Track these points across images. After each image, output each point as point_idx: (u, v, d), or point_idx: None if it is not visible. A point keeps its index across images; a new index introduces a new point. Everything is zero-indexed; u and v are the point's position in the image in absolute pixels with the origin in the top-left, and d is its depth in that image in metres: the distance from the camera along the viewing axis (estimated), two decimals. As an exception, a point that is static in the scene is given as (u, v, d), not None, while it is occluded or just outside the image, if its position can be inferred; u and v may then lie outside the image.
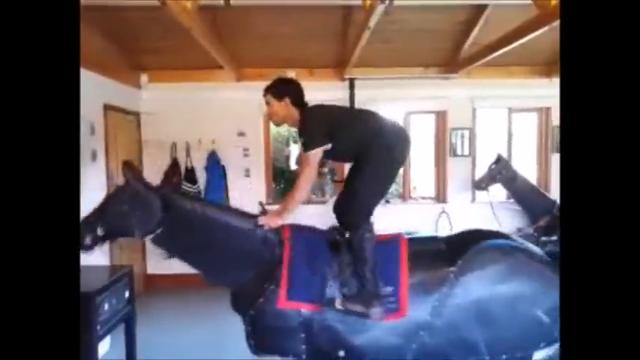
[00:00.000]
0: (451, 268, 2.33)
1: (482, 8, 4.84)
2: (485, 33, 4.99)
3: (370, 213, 2.44)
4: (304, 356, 2.34)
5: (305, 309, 2.30)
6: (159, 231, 2.37)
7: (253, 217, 2.53)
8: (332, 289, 2.34)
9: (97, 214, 2.37)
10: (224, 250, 2.43)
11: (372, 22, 3.94)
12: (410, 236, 2.56)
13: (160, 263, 5.97)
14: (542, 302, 2.28)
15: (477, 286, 2.28)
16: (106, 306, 2.55)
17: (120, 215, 2.31)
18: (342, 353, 2.30)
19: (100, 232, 2.31)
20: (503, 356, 2.30)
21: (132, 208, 2.31)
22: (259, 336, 2.39)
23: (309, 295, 2.31)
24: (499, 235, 2.56)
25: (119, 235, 2.39)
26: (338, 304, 2.28)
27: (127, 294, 2.83)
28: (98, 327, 2.45)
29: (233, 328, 4.46)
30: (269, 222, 2.42)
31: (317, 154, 2.42)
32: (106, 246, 4.86)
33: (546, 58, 5.84)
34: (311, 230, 2.54)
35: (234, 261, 2.45)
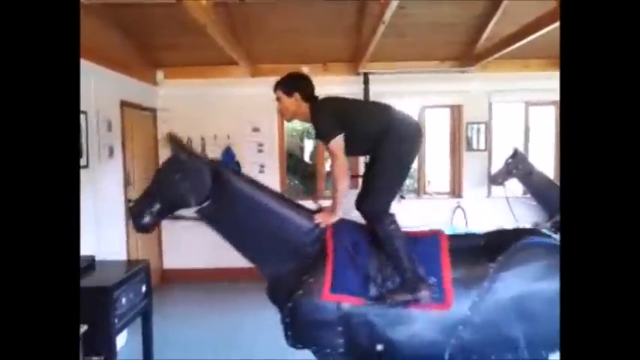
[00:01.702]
0: (491, 264, 2.33)
1: (498, 1, 4.77)
2: (502, 26, 4.92)
3: (389, 205, 2.44)
4: (341, 349, 2.33)
5: (347, 302, 2.30)
6: (206, 204, 2.36)
7: (302, 208, 2.54)
8: (377, 285, 2.34)
9: (151, 189, 2.38)
10: (268, 237, 2.43)
11: (386, 16, 3.92)
12: (450, 233, 2.57)
13: (176, 258, 6.06)
14: None
15: (517, 283, 2.28)
16: (124, 300, 2.58)
17: (173, 186, 2.31)
18: (380, 347, 2.29)
19: (156, 207, 2.32)
20: (542, 352, 2.30)
21: (183, 176, 2.31)
22: (297, 328, 2.38)
23: (352, 289, 2.31)
24: (539, 233, 2.56)
25: (175, 207, 2.37)
26: (388, 299, 2.28)
27: (143, 288, 2.87)
28: (116, 320, 2.49)
29: (248, 321, 4.54)
30: (325, 220, 2.45)
31: (338, 142, 2.42)
32: (123, 240, 4.96)
33: (564, 50, 5.73)
34: (353, 224, 2.54)
35: (277, 249, 2.44)
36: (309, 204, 2.68)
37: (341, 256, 2.36)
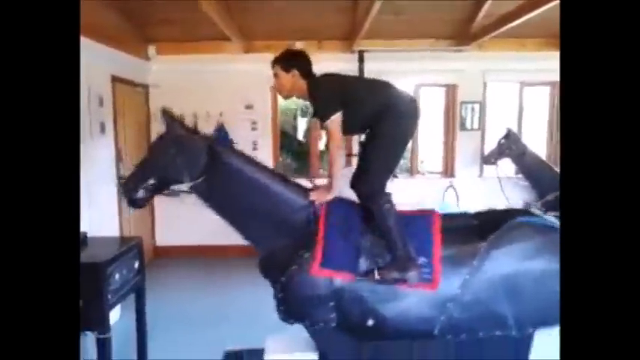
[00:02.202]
0: (482, 243, 2.35)
1: (495, -22, 4.72)
2: (499, 5, 4.87)
3: (385, 183, 2.45)
4: (333, 324, 2.37)
5: (337, 277, 2.33)
6: (201, 179, 2.36)
7: (296, 185, 2.55)
8: (367, 261, 2.36)
9: (145, 164, 2.37)
10: (262, 213, 2.44)
11: (382, -7, 3.86)
12: (442, 212, 2.58)
13: (169, 235, 6.07)
14: None
15: (507, 261, 2.30)
16: (117, 276, 2.59)
17: (167, 161, 2.30)
18: (370, 322, 2.33)
19: (151, 181, 2.31)
20: (529, 329, 2.35)
21: (178, 151, 2.31)
22: (290, 303, 2.40)
23: (342, 265, 2.34)
24: (530, 213, 2.58)
25: (170, 182, 2.37)
26: (376, 276, 2.31)
27: (136, 264, 2.87)
28: (109, 296, 2.50)
29: (241, 297, 4.58)
30: (319, 197, 2.46)
31: (336, 120, 2.41)
32: (116, 218, 4.95)
33: (559, 30, 5.70)
34: (347, 202, 2.54)
35: (271, 225, 2.46)
36: (302, 183, 2.68)
37: (332, 232, 2.38)
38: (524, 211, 2.64)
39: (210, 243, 5.87)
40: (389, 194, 2.43)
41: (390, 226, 2.35)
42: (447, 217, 2.57)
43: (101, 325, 2.44)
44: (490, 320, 2.32)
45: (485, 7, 5.08)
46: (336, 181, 2.49)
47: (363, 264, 2.35)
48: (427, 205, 5.36)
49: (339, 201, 2.52)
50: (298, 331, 2.52)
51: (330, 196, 2.47)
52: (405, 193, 5.87)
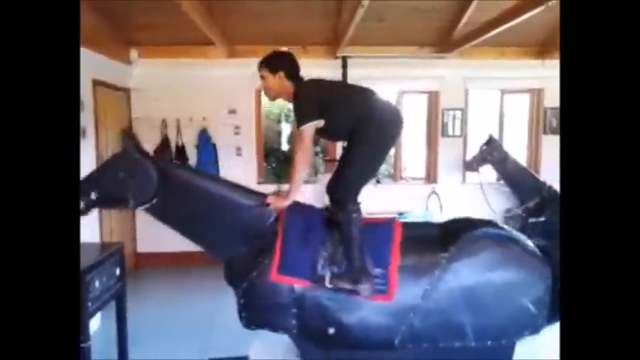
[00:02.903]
0: (443, 254, 2.36)
1: (477, -13, 4.79)
2: (480, 13, 4.94)
3: (358, 192, 2.45)
4: (295, 331, 2.36)
5: (295, 284, 2.33)
6: (154, 201, 2.37)
7: (249, 191, 2.55)
8: (322, 267, 2.35)
9: (92, 178, 2.36)
10: (219, 223, 2.45)
11: (366, 0, 3.89)
12: (404, 220, 2.58)
13: (150, 242, 5.97)
14: (530, 292, 2.32)
15: (468, 273, 2.31)
16: (97, 283, 2.54)
17: (115, 182, 2.31)
18: (332, 331, 2.32)
19: (93, 196, 2.29)
20: (489, 342, 2.34)
21: (128, 176, 2.31)
22: (251, 309, 2.41)
23: (299, 271, 2.33)
24: (492, 224, 2.60)
25: (113, 203, 2.40)
26: (327, 282, 2.30)
27: (117, 271, 2.82)
28: (89, 304, 2.45)
29: (222, 305, 4.51)
30: (276, 203, 2.45)
31: (310, 129, 2.41)
32: (96, 224, 4.86)
33: (539, 39, 5.82)
34: (307, 208, 2.55)
35: (230, 234, 2.46)
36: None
37: (290, 238, 2.38)
38: (486, 222, 2.64)
39: (193, 249, 5.76)
40: (358, 204, 2.43)
41: (354, 235, 2.35)
42: (409, 226, 2.56)
43: (81, 332, 2.38)
44: (450, 330, 2.33)
45: (467, 15, 5.15)
46: (295, 189, 2.47)
47: (320, 270, 2.35)
48: (411, 211, 5.39)
49: (300, 207, 2.52)
50: (283, 337, 2.50)
51: (286, 203, 2.46)
52: (388, 198, 5.96)
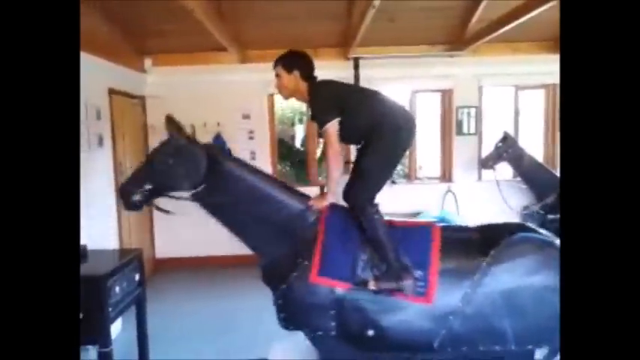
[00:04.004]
0: (484, 258, 2.36)
1: (488, -17, 4.76)
2: (492, 9, 4.90)
3: (374, 196, 2.45)
4: (333, 333, 2.36)
5: (335, 286, 2.33)
6: (201, 188, 2.37)
7: (295, 191, 2.57)
8: (364, 270, 2.36)
9: (143, 169, 2.38)
10: (263, 220, 2.45)
11: (376, 1, 3.89)
12: (443, 225, 2.58)
13: (169, 247, 6.05)
14: None
15: (508, 277, 2.31)
16: (117, 289, 2.58)
17: (166, 169, 2.32)
18: (371, 333, 2.32)
19: (147, 187, 2.32)
20: (529, 346, 2.34)
21: (177, 161, 2.32)
22: (290, 310, 2.40)
23: (340, 273, 2.34)
24: (530, 228, 2.60)
25: (167, 190, 2.38)
26: (371, 285, 2.30)
27: (137, 277, 2.87)
28: (110, 309, 2.49)
29: (242, 309, 4.56)
30: (316, 204, 2.47)
31: (333, 127, 2.42)
32: (115, 231, 4.93)
33: (553, 33, 5.75)
34: (345, 210, 2.55)
35: (272, 233, 2.46)
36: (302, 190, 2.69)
37: (330, 240, 2.38)
38: (524, 227, 2.65)
39: (210, 254, 5.86)
40: (376, 205, 2.43)
41: (380, 236, 2.35)
42: (448, 230, 2.56)
43: (102, 338, 2.43)
44: (490, 334, 2.32)
45: (479, 12, 5.11)
46: (333, 187, 2.49)
47: (361, 273, 2.35)
48: (427, 211, 5.35)
49: (340, 209, 2.52)
50: (302, 339, 2.51)
51: (326, 202, 2.47)
52: (403, 199, 5.94)
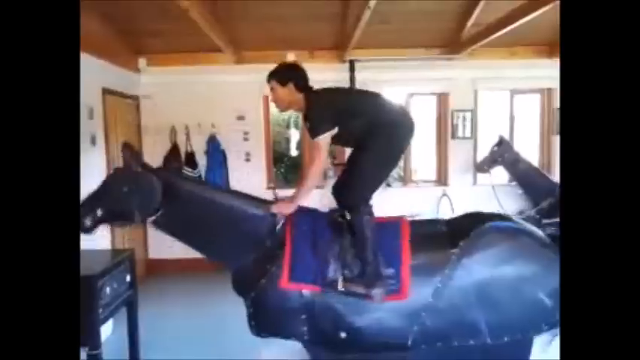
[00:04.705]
0: (453, 250, 2.32)
1: (484, -13, 4.76)
2: (488, 13, 4.90)
3: (370, 196, 2.43)
4: (306, 337, 2.34)
5: (307, 290, 2.30)
6: (159, 214, 2.36)
7: (255, 199, 2.54)
8: (333, 271, 2.33)
9: (97, 195, 2.36)
10: (225, 233, 2.44)
11: (372, 2, 3.88)
12: (411, 219, 2.55)
13: (162, 248, 5.99)
14: (545, 284, 2.26)
15: (479, 268, 2.27)
16: (108, 290, 2.54)
17: (119, 197, 2.30)
18: (343, 335, 2.29)
19: (99, 213, 2.30)
20: (505, 338, 2.29)
21: (132, 190, 2.31)
22: (261, 317, 2.39)
23: (311, 276, 2.31)
24: (501, 217, 2.55)
25: (119, 219, 2.39)
26: (340, 286, 2.28)
27: (128, 278, 2.82)
28: (100, 310, 2.45)
29: (234, 311, 4.50)
30: (281, 210, 2.44)
31: (326, 139, 2.40)
32: (108, 231, 4.87)
33: (549, 37, 5.76)
34: (313, 212, 2.54)
35: (236, 243, 2.45)
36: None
37: (299, 245, 2.36)
38: (496, 215, 2.60)
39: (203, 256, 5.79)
40: (370, 206, 2.41)
41: (367, 237, 2.33)
42: (417, 224, 2.54)
43: (91, 340, 2.38)
44: (464, 329, 2.28)
45: (475, 15, 5.12)
46: (302, 197, 2.45)
47: (332, 275, 2.32)
48: (422, 214, 5.33)
49: (306, 212, 2.51)
50: (293, 344, 2.47)
51: (291, 209, 2.44)
52: (398, 202, 5.91)
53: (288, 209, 2.43)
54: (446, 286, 2.27)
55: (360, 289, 2.26)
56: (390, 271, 2.31)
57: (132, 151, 2.41)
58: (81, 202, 2.32)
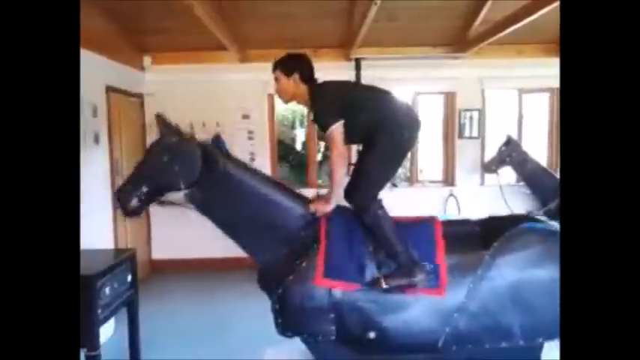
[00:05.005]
0: (486, 251, 2.28)
1: (492, -16, 4.68)
2: (496, 11, 4.83)
3: (377, 194, 2.37)
4: (333, 337, 2.27)
5: (341, 288, 2.24)
6: (196, 187, 2.29)
7: (293, 192, 2.49)
8: (372, 269, 2.28)
9: (138, 171, 2.31)
10: (260, 223, 2.37)
11: (378, -1, 3.82)
12: (444, 219, 2.51)
13: (165, 248, 5.96)
14: None
15: (512, 270, 2.23)
16: (107, 290, 2.49)
17: (161, 167, 2.25)
18: (372, 335, 2.23)
19: (144, 189, 2.24)
20: (539, 340, 2.25)
21: (172, 158, 2.25)
22: (287, 315, 2.31)
23: (346, 274, 2.25)
24: (533, 219, 2.50)
25: (164, 190, 2.30)
26: (383, 284, 2.22)
27: (129, 277, 2.78)
28: (99, 311, 2.40)
29: (237, 310, 4.47)
30: (318, 208, 2.38)
31: (338, 128, 2.34)
32: (111, 231, 4.85)
33: (557, 35, 5.67)
34: (345, 209, 2.47)
35: (269, 236, 2.38)
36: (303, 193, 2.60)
37: (334, 242, 2.30)
38: (527, 217, 2.57)
39: (208, 256, 5.76)
40: (380, 201, 2.36)
41: (387, 231, 2.28)
42: (449, 224, 2.50)
43: (90, 341, 2.33)
44: (497, 331, 2.23)
45: (482, 13, 5.04)
46: (337, 191, 2.40)
47: (368, 273, 2.27)
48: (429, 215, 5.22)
49: (341, 210, 2.45)
50: (297, 344, 2.42)
51: (329, 207, 2.39)
52: (405, 202, 5.82)
53: (326, 208, 2.38)
54: (478, 287, 2.22)
55: (404, 281, 2.21)
56: (428, 266, 2.26)
57: (166, 122, 2.34)
58: (124, 182, 2.30)
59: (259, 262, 2.44)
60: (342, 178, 2.40)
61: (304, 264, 2.27)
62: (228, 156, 2.46)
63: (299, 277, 2.26)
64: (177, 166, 2.25)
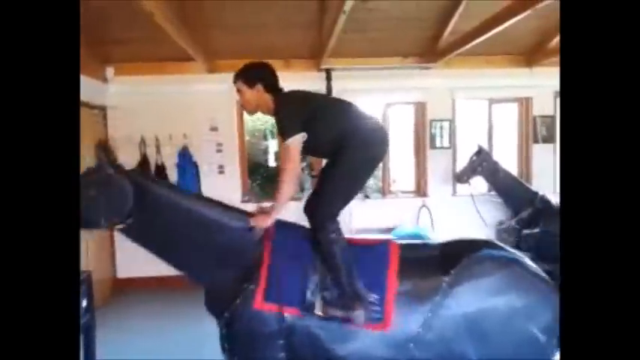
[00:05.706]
0: (444, 278, 2.17)
1: (461, -5, 4.69)
2: (465, 22, 4.84)
3: (338, 212, 2.27)
4: None
5: (283, 312, 2.12)
6: (129, 221, 2.15)
7: (234, 209, 2.35)
8: (312, 293, 2.16)
9: None
10: (201, 246, 2.23)
11: (347, 6, 3.76)
12: (401, 242, 2.38)
13: (131, 266, 5.71)
14: (538, 318, 2.13)
15: (471, 298, 2.13)
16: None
17: (85, 202, 2.05)
18: None
19: None
20: None
21: (100, 193, 2.09)
22: (234, 340, 2.19)
23: (288, 297, 2.13)
24: (495, 245, 2.41)
25: (83, 226, 2.14)
26: (318, 310, 2.10)
27: (84, 302, 2.59)
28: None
29: (208, 332, 4.27)
30: (258, 223, 2.23)
31: (297, 142, 2.22)
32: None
33: (526, 46, 5.75)
34: (294, 227, 2.35)
35: (212, 258, 2.24)
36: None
37: (277, 262, 2.18)
38: (487, 243, 2.45)
39: (175, 273, 5.53)
40: (337, 223, 2.24)
41: (337, 256, 2.16)
42: (407, 248, 2.36)
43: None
44: None
45: (452, 24, 5.05)
46: (280, 206, 2.26)
47: (310, 296, 2.14)
48: (401, 226, 5.17)
49: (288, 227, 2.33)
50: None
51: (269, 222, 2.24)
52: (377, 214, 5.78)
53: (265, 222, 2.23)
54: (436, 315, 2.12)
55: (340, 313, 2.09)
56: (373, 297, 2.14)
57: (105, 151, 2.18)
58: None
59: (203, 284, 2.32)
60: (288, 196, 2.26)
61: (251, 286, 2.15)
62: (160, 182, 2.33)
63: (246, 300, 2.13)
64: (103, 203, 2.10)
